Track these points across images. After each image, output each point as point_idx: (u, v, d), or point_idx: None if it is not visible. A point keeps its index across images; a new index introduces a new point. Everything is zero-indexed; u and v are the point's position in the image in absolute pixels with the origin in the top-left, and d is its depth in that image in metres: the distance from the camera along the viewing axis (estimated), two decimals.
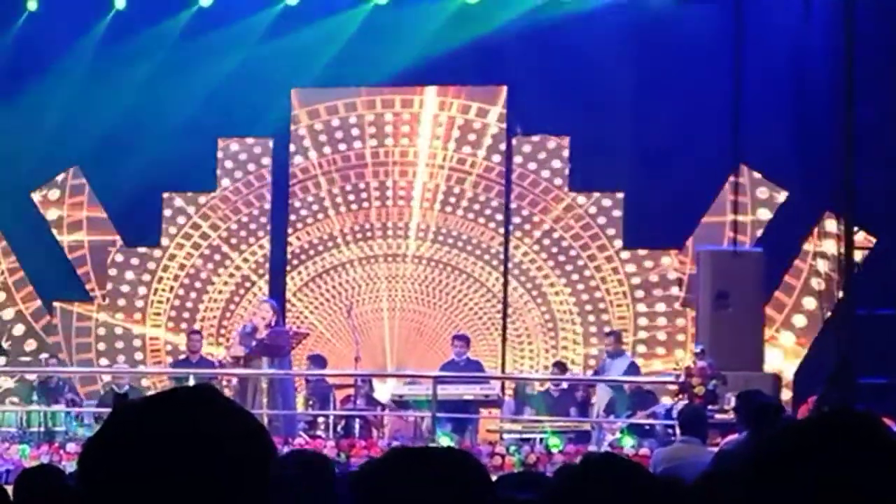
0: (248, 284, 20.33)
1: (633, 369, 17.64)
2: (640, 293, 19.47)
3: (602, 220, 19.64)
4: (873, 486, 1.99)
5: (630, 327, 19.36)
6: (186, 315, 20.35)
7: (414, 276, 20.05)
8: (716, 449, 11.24)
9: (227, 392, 16.68)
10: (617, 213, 19.57)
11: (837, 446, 2.02)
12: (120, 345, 20.29)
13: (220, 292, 20.40)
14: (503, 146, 19.97)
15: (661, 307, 19.39)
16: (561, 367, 18.32)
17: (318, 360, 18.33)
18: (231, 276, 20.39)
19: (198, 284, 20.43)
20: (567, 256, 19.69)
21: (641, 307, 19.44)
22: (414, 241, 20.09)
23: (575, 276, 19.67)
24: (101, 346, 20.30)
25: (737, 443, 10.04)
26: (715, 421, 13.09)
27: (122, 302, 20.36)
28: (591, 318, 19.58)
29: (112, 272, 20.38)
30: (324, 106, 20.31)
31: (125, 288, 20.39)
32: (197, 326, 19.82)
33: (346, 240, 20.26)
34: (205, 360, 18.46)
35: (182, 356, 18.91)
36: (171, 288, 20.42)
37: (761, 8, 16.91)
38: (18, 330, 20.29)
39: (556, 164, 19.81)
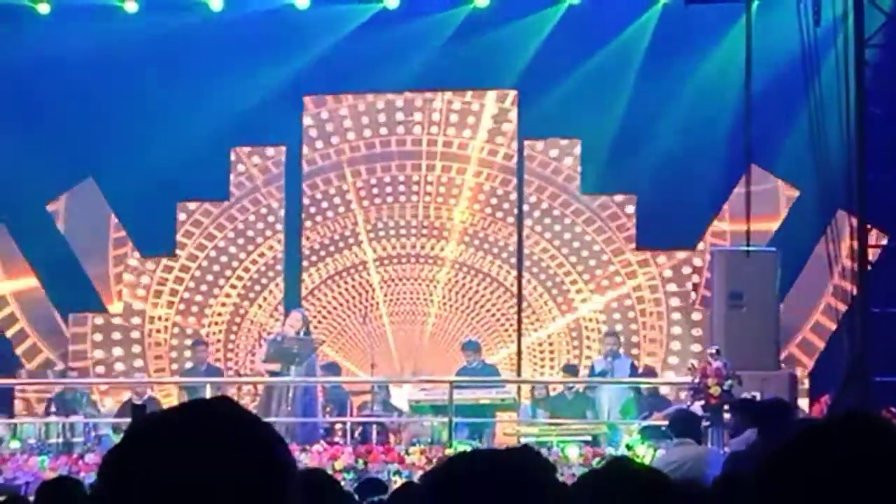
0: (258, 289, 20.36)
1: (633, 370, 17.72)
2: (653, 294, 19.47)
3: (614, 221, 19.64)
4: (887, 492, 2.00)
5: (645, 329, 19.38)
6: (193, 320, 20.39)
7: (431, 280, 20.09)
8: (710, 447, 11.36)
9: (245, 400, 16.75)
10: (629, 214, 19.57)
11: (850, 451, 2.03)
12: (138, 351, 20.36)
13: (232, 299, 20.43)
14: (515, 150, 19.99)
15: (675, 308, 19.42)
16: (571, 370, 18.35)
17: (332, 368, 18.39)
18: (245, 285, 20.41)
19: (212, 292, 20.45)
20: (579, 258, 19.70)
21: (656, 308, 19.45)
22: (429, 241, 20.14)
23: (586, 277, 19.68)
24: (119, 358, 20.36)
25: (747, 443, 10.06)
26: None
27: (137, 311, 20.43)
28: (609, 321, 19.59)
29: (128, 281, 20.44)
30: (336, 112, 20.34)
31: (140, 298, 20.44)
32: (205, 333, 19.95)
33: (362, 247, 20.29)
34: (213, 367, 18.55)
35: (189, 365, 19.04)
36: (185, 297, 20.44)
37: (772, 8, 16.92)
38: (33, 341, 20.32)
39: (568, 167, 19.81)
